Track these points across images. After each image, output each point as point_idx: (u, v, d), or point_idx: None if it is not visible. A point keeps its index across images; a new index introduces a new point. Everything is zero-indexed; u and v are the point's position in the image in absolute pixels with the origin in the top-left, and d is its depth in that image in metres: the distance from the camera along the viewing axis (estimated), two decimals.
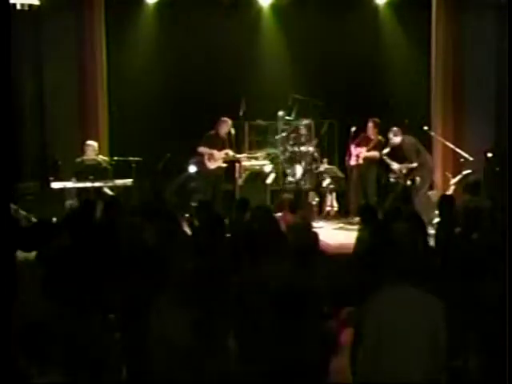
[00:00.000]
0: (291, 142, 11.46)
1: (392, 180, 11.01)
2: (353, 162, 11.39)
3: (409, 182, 10.86)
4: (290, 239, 5.87)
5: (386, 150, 11.04)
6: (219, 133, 11.13)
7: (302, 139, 11.46)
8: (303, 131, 11.53)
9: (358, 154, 11.34)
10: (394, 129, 10.99)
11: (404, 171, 10.89)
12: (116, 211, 7.43)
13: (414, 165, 10.82)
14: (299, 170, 11.29)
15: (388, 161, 11.04)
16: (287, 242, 5.83)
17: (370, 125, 11.32)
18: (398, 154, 10.98)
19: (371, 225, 6.90)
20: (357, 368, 4.13)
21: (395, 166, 10.98)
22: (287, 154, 11.45)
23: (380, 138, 11.27)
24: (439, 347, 4.04)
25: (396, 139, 10.96)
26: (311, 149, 11.41)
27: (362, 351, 4.08)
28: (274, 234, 6.00)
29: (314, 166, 11.41)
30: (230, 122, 11.12)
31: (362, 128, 11.38)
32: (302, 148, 11.39)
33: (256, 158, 11.62)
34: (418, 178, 10.76)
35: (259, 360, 4.52)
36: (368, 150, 11.27)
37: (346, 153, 11.45)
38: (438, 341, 4.04)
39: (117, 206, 7.71)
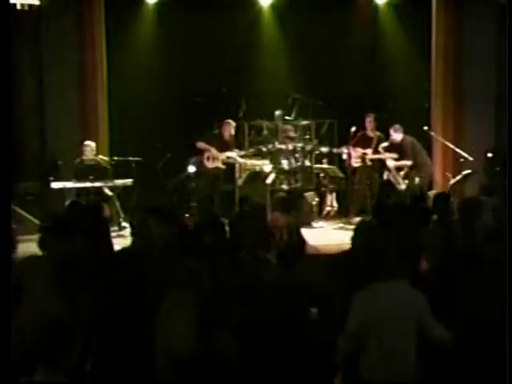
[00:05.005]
0: (280, 140, 11.30)
1: (384, 178, 11.02)
2: (355, 163, 11.33)
3: (404, 186, 10.80)
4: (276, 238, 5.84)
5: (385, 144, 11.02)
6: (223, 134, 11.17)
7: (291, 135, 11.36)
8: (289, 128, 11.42)
9: (361, 154, 11.28)
10: (396, 126, 10.94)
11: (402, 172, 10.88)
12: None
13: (409, 163, 10.78)
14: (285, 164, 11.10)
15: (386, 155, 10.98)
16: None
17: (369, 120, 11.27)
18: (396, 151, 10.96)
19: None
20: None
21: (391, 162, 10.96)
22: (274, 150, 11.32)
23: (379, 134, 11.25)
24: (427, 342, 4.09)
25: (397, 136, 10.89)
26: (300, 144, 11.24)
27: (346, 341, 4.19)
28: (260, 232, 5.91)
29: (301, 161, 11.18)
30: (233, 123, 11.16)
31: (361, 127, 11.33)
32: (290, 145, 11.22)
33: (251, 156, 11.53)
34: (417, 178, 10.73)
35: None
36: (374, 151, 11.20)
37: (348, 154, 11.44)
38: (427, 336, 4.11)
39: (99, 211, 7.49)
